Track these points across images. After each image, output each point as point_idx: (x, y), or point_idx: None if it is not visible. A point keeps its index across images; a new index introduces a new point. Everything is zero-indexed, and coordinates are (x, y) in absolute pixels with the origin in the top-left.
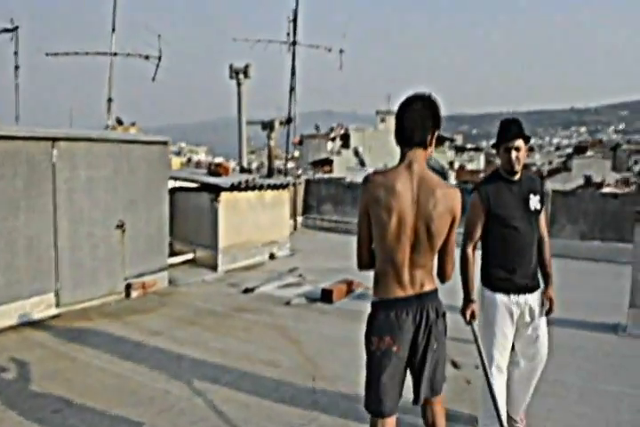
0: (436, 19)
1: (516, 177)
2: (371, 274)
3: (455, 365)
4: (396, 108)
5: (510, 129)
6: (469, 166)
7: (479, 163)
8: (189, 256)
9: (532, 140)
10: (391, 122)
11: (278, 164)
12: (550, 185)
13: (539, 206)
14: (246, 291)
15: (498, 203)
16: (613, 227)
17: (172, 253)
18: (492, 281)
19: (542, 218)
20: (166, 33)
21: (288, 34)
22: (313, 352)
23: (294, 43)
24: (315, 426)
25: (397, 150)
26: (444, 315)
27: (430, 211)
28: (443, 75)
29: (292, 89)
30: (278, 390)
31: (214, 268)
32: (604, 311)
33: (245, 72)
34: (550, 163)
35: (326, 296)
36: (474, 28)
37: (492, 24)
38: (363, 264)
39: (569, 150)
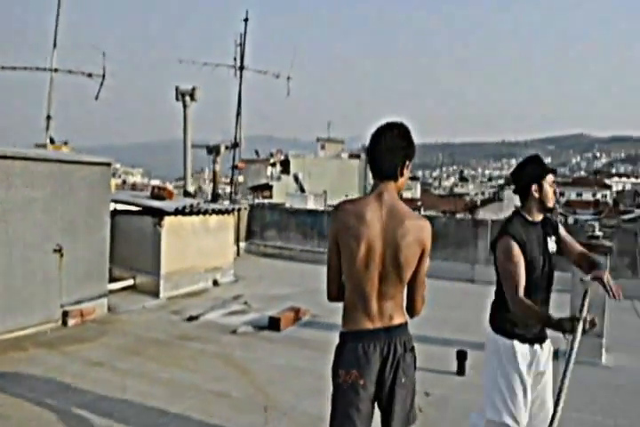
0: (378, 48)
1: (540, 218)
2: (318, 301)
3: (427, 394)
4: (338, 136)
5: (545, 164)
6: (406, 195)
7: (416, 191)
8: (130, 282)
9: (466, 172)
10: (331, 148)
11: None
12: (483, 214)
13: (555, 249)
14: (190, 319)
15: (530, 247)
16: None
17: (112, 279)
18: (507, 328)
19: (574, 243)
20: (112, 52)
21: (235, 58)
22: (263, 382)
23: (242, 67)
24: None
25: (337, 177)
26: (412, 349)
27: (399, 240)
28: (383, 104)
29: (238, 113)
30: (229, 421)
31: (156, 294)
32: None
33: (192, 95)
34: (483, 193)
35: (274, 324)
36: (415, 60)
37: (434, 56)
38: (332, 296)
39: (500, 181)
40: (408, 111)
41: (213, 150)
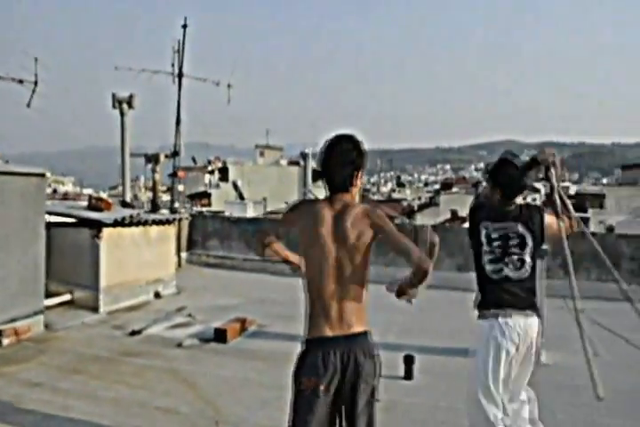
0: (321, 55)
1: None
2: (264, 311)
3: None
4: (276, 143)
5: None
6: None
7: (355, 197)
8: (67, 297)
9: (403, 177)
10: (270, 155)
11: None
12: (420, 219)
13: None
14: (133, 333)
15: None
16: None
17: (48, 295)
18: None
19: None
20: (44, 57)
21: (173, 65)
22: (212, 396)
23: (180, 75)
24: None
25: (276, 184)
26: (372, 357)
27: (346, 227)
28: (321, 112)
29: (178, 121)
30: None
31: (95, 309)
32: None
33: (129, 102)
34: (419, 198)
35: (220, 336)
36: (354, 68)
37: (371, 64)
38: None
39: (436, 186)
40: (348, 118)
41: (152, 159)
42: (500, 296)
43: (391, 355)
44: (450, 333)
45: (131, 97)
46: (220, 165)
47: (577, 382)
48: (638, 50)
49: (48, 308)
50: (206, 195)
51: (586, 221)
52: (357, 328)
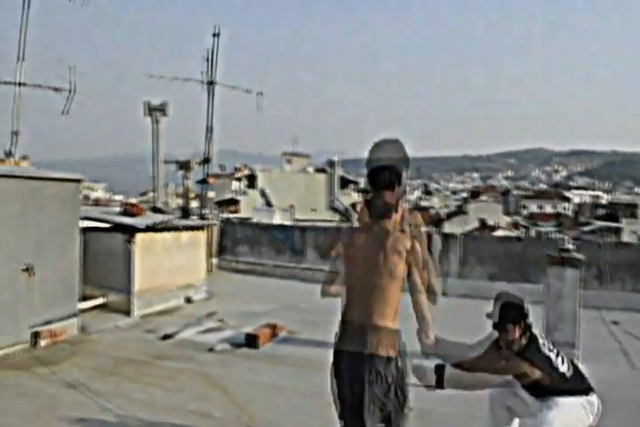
0: (342, 64)
1: None
2: (293, 318)
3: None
4: (304, 150)
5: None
6: None
7: None
8: (101, 301)
9: (430, 185)
10: (297, 163)
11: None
12: (448, 227)
13: None
14: (165, 337)
15: None
16: (517, 268)
17: (82, 298)
18: None
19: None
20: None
21: (202, 73)
22: (245, 401)
23: (211, 82)
24: None
25: (303, 191)
26: (389, 359)
27: (378, 254)
28: (349, 119)
29: (208, 128)
30: None
31: (128, 313)
32: None
33: (163, 110)
34: (447, 206)
35: (251, 341)
36: (381, 77)
37: (399, 73)
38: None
39: (464, 195)
40: (373, 127)
41: (184, 166)
42: None
43: (420, 364)
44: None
45: (164, 104)
46: (247, 172)
47: (614, 396)
48: None
49: (82, 311)
50: (234, 202)
51: (618, 231)
52: (385, 324)
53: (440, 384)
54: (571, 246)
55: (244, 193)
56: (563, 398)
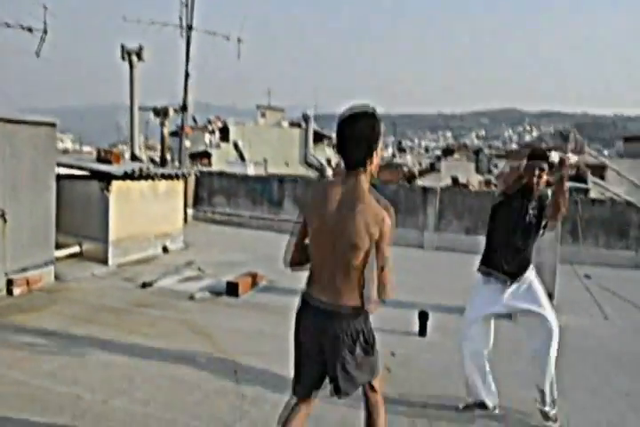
0: (325, 16)
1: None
2: (273, 268)
3: (392, 354)
4: (278, 104)
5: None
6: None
7: None
8: (76, 249)
9: (403, 142)
10: (271, 116)
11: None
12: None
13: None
14: (144, 285)
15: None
16: None
17: (56, 246)
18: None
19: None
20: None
21: (180, 18)
22: (229, 347)
23: (190, 27)
24: (247, 421)
25: (277, 146)
26: (356, 335)
27: (346, 226)
28: (323, 73)
29: (186, 75)
30: (200, 386)
31: (104, 262)
32: None
33: (139, 54)
34: (420, 164)
35: (232, 289)
36: (357, 34)
37: (378, 25)
38: (293, 261)
39: (437, 152)
40: (349, 83)
41: (161, 113)
42: None
43: (404, 312)
44: (460, 291)
45: (140, 49)
46: (220, 125)
47: (590, 344)
48: None
49: (57, 259)
50: (207, 155)
51: (586, 192)
52: (348, 302)
53: (423, 332)
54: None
55: (217, 146)
56: (529, 273)
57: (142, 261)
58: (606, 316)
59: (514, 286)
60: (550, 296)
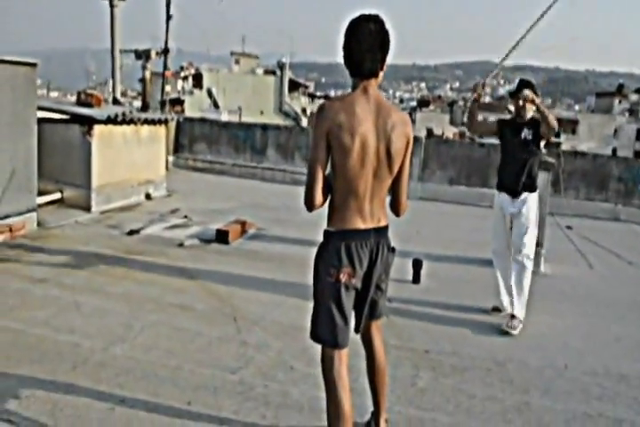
0: None
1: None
2: (260, 215)
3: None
4: (253, 50)
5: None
6: None
7: None
8: (57, 196)
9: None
10: (246, 63)
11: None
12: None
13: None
14: (131, 233)
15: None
16: (479, 174)
17: (37, 193)
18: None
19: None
20: None
21: None
22: (225, 294)
23: None
24: (252, 367)
25: (251, 93)
26: (393, 250)
27: (389, 133)
28: (297, 21)
29: (168, 17)
30: (201, 333)
31: (87, 209)
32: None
33: None
34: None
35: (222, 237)
36: None
37: None
38: (316, 200)
39: (412, 104)
40: (323, 28)
41: (143, 55)
42: None
43: (396, 260)
44: (447, 241)
45: None
46: (193, 71)
47: (578, 292)
48: None
49: (38, 206)
50: (179, 101)
51: (558, 145)
52: (383, 222)
53: (417, 279)
54: (543, 151)
55: (190, 93)
56: (531, 197)
57: (125, 208)
58: (591, 265)
59: (516, 203)
60: (540, 245)
